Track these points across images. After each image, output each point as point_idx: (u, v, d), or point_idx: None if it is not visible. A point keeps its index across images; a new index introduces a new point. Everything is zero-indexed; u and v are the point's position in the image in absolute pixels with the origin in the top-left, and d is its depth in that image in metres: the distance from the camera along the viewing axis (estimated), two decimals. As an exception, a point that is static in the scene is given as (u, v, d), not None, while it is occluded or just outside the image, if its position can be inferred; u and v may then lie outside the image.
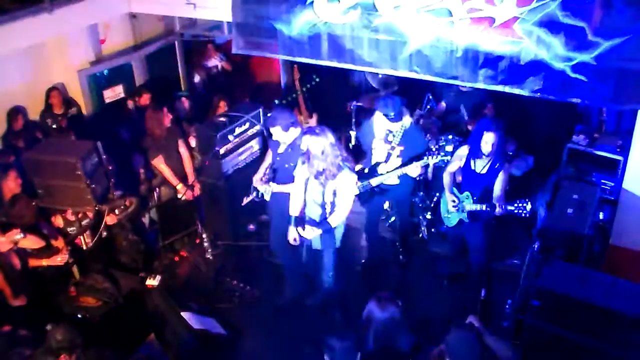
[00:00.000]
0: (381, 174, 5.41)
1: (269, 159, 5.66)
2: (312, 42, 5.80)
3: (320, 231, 4.89)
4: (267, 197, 5.59)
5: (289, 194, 5.10)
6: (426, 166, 5.95)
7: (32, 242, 4.88)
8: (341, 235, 5.11)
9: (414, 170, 5.31)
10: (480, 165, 4.99)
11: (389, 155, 5.37)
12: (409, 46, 5.33)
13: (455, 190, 5.22)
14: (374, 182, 5.42)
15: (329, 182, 4.75)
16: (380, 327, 3.53)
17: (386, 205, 6.07)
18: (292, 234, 5.01)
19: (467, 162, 5.07)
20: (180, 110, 7.55)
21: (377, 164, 5.45)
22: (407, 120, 5.34)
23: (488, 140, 4.85)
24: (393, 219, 6.39)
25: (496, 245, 5.50)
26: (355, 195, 5.19)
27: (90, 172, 4.94)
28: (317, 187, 4.83)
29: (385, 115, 5.21)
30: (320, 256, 5.18)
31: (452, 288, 5.76)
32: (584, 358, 4.30)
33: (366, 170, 5.50)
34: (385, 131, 5.33)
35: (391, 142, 5.33)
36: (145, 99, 7.26)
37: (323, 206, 4.89)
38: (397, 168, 5.37)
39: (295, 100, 7.90)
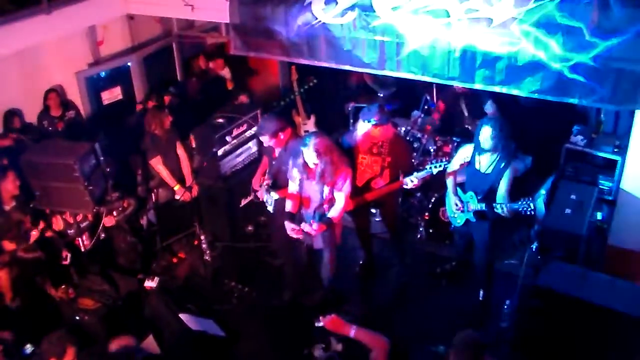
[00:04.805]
0: (377, 189, 5.37)
1: (265, 164, 5.71)
2: (309, 43, 5.80)
3: (325, 227, 4.89)
4: (270, 209, 5.57)
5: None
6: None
7: None
8: (341, 233, 5.12)
9: (412, 182, 5.21)
10: (486, 165, 4.97)
11: (382, 168, 5.33)
12: (407, 47, 5.33)
13: (459, 191, 5.20)
14: (370, 196, 5.39)
15: (329, 180, 4.78)
16: None
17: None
18: (290, 227, 4.97)
19: (472, 162, 5.06)
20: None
21: (371, 179, 5.36)
22: (389, 130, 5.30)
23: (485, 135, 4.81)
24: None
25: (495, 245, 5.49)
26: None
27: (88, 173, 4.94)
28: (315, 186, 4.85)
29: (368, 121, 5.09)
30: (321, 256, 5.19)
31: (450, 288, 5.76)
32: (583, 358, 4.32)
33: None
34: (369, 143, 5.25)
35: (378, 153, 5.26)
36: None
37: (321, 204, 4.90)
38: (393, 182, 5.34)
39: (293, 102, 7.91)
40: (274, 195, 5.38)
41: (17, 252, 4.97)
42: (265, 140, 5.31)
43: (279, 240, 5.55)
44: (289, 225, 4.95)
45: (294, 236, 4.98)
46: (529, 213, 4.69)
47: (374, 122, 5.07)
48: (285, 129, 5.29)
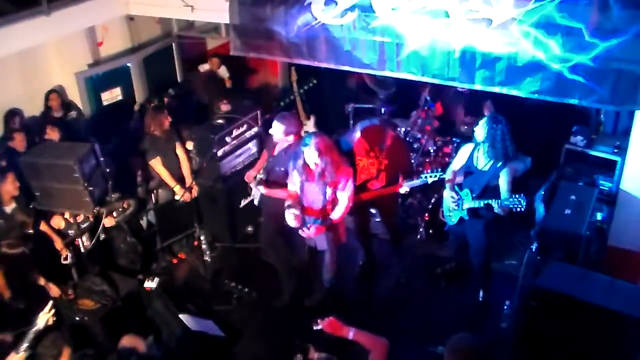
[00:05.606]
0: (371, 190, 5.39)
1: (264, 159, 5.71)
2: (309, 44, 5.80)
3: (324, 229, 4.90)
4: (255, 202, 5.64)
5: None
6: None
7: None
8: (344, 233, 5.14)
9: (403, 189, 5.30)
10: (483, 163, 4.97)
11: (378, 171, 5.34)
12: (407, 48, 5.33)
13: (456, 187, 5.21)
14: (366, 196, 5.40)
15: (330, 180, 4.78)
16: None
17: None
18: (291, 212, 4.90)
19: (470, 159, 5.06)
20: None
21: (367, 180, 5.38)
22: (387, 132, 5.31)
23: (480, 125, 4.86)
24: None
25: (494, 245, 5.50)
26: None
27: (88, 174, 4.93)
28: (316, 188, 4.85)
29: (360, 130, 5.19)
30: (322, 257, 5.19)
31: (450, 289, 5.76)
32: (583, 359, 4.31)
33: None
34: (366, 146, 5.26)
35: (375, 156, 5.28)
36: None
37: (324, 205, 4.90)
38: (391, 184, 5.35)
39: (292, 102, 7.91)
40: (261, 189, 5.34)
41: (0, 249, 4.93)
42: (278, 132, 5.15)
43: (264, 239, 5.57)
44: (290, 211, 4.87)
45: (292, 224, 4.91)
46: (519, 209, 4.68)
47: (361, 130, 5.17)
48: (298, 133, 5.28)
